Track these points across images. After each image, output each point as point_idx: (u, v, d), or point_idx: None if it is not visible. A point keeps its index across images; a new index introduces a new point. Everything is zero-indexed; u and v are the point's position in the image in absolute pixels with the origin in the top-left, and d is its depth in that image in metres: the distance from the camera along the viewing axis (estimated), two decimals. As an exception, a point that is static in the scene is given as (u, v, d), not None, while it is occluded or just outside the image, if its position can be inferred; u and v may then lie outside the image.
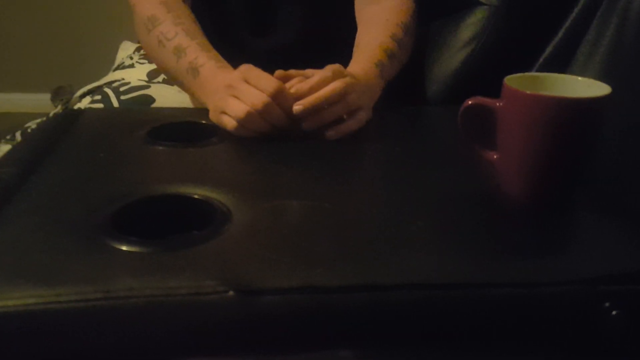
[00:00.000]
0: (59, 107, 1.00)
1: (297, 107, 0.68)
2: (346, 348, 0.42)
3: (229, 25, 0.92)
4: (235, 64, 0.75)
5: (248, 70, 0.70)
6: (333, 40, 0.87)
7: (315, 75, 0.70)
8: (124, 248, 0.45)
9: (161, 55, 0.79)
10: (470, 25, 0.90)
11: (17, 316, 0.40)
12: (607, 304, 0.43)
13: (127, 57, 1.18)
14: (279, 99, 0.67)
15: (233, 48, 0.80)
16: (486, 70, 0.86)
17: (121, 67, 1.09)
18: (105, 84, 0.96)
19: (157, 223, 0.51)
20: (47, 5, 2.45)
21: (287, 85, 0.69)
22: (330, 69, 0.70)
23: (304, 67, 0.74)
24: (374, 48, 0.81)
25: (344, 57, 0.81)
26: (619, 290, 0.43)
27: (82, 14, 2.45)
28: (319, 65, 0.73)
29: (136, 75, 0.96)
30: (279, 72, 0.70)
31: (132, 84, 0.92)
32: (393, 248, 0.47)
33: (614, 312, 0.42)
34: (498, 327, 0.44)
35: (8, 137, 0.93)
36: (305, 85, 0.69)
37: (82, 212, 0.50)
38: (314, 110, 0.68)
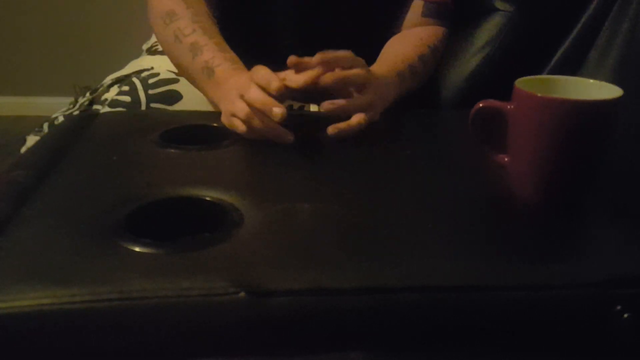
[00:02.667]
0: (87, 96, 0.98)
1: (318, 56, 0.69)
2: (356, 350, 0.42)
3: (272, 36, 0.91)
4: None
5: (255, 69, 0.70)
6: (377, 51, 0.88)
7: (341, 55, 0.71)
8: (137, 249, 0.46)
9: (176, 51, 0.79)
10: (485, 31, 0.90)
11: (32, 316, 0.40)
12: (618, 307, 0.42)
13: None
14: (255, 77, 0.67)
15: (277, 58, 0.80)
16: (500, 75, 0.86)
17: (153, 50, 1.07)
18: (133, 73, 0.94)
19: (170, 225, 0.51)
20: (65, 7, 2.48)
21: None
22: (352, 55, 0.71)
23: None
24: (400, 59, 0.82)
25: None
26: (630, 293, 0.43)
27: (101, 15, 2.46)
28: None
29: (166, 65, 0.95)
30: (291, 58, 0.70)
31: (161, 76, 0.90)
32: (403, 250, 0.47)
33: (625, 315, 0.42)
34: (508, 330, 0.44)
35: (37, 129, 0.94)
36: (329, 54, 0.70)
37: (96, 214, 0.51)
38: (337, 73, 0.69)
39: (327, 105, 0.70)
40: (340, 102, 0.70)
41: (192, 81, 0.81)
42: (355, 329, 0.43)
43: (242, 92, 0.68)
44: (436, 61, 0.89)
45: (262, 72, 0.69)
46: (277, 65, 0.73)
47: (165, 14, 0.80)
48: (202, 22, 0.79)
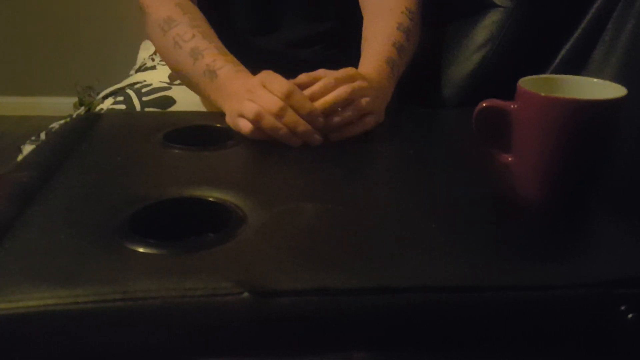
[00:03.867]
0: (82, 109, 1.01)
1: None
2: (359, 350, 0.42)
3: (231, 25, 0.92)
4: (248, 65, 0.75)
5: (266, 75, 0.71)
6: (338, 36, 0.87)
7: (316, 84, 0.70)
8: (141, 250, 0.46)
9: (177, 57, 0.80)
10: (485, 28, 0.90)
11: (37, 317, 0.40)
12: (622, 308, 0.42)
13: (148, 58, 1.19)
14: (292, 100, 0.68)
15: (236, 48, 0.81)
16: (501, 73, 0.86)
17: (143, 69, 1.10)
18: (127, 85, 0.97)
19: (174, 225, 0.52)
20: (66, 8, 2.48)
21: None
22: (333, 75, 0.70)
23: (309, 64, 0.74)
24: (382, 43, 0.81)
25: (352, 50, 0.82)
26: (634, 293, 0.43)
27: (101, 15, 2.47)
28: (325, 60, 0.74)
29: (157, 77, 0.97)
30: (301, 77, 0.71)
31: (154, 86, 0.93)
32: (407, 250, 0.47)
33: (629, 316, 0.42)
34: (512, 330, 0.44)
35: (33, 138, 0.95)
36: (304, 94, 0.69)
37: (100, 214, 0.51)
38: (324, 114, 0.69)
39: (335, 136, 0.70)
40: (340, 120, 0.69)
41: (194, 86, 0.81)
42: (358, 329, 0.43)
43: (251, 97, 0.68)
44: (417, 26, 0.86)
45: (271, 76, 0.69)
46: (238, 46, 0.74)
47: (163, 21, 0.81)
48: (200, 27, 0.79)
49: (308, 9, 0.93)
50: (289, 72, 0.72)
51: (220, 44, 0.79)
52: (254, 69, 0.74)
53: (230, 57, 0.77)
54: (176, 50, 0.79)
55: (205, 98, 0.81)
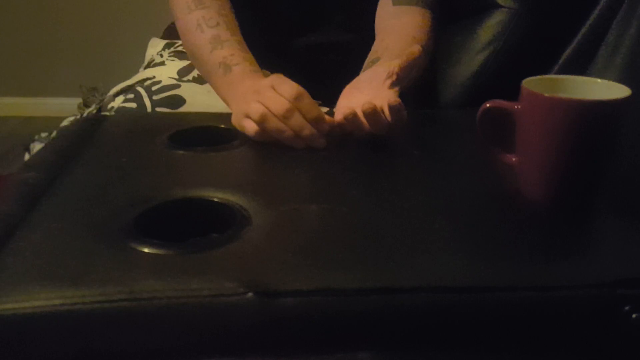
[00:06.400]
0: (93, 107, 1.01)
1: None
2: (364, 350, 0.42)
3: (272, 25, 0.92)
4: (277, 64, 0.75)
5: (276, 78, 0.71)
6: (365, 46, 0.87)
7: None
8: (147, 250, 0.46)
9: (196, 40, 0.79)
10: (489, 28, 0.90)
11: (44, 317, 0.41)
12: (626, 308, 0.42)
13: (157, 54, 1.18)
14: (300, 104, 0.68)
15: (275, 47, 0.80)
16: (505, 73, 0.86)
17: (152, 65, 1.09)
18: (137, 82, 0.96)
19: (179, 226, 0.52)
20: (71, 8, 2.49)
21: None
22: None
23: (345, 66, 0.74)
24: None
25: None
26: (639, 294, 0.43)
27: (107, 16, 2.48)
28: (347, 68, 0.74)
29: (167, 73, 0.97)
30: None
31: (164, 83, 0.92)
32: (411, 251, 0.47)
33: (634, 316, 0.42)
34: (516, 331, 0.44)
35: (40, 137, 0.95)
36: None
37: (106, 215, 0.52)
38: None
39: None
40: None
41: (205, 74, 0.81)
42: (363, 330, 0.43)
43: (259, 98, 0.68)
44: (427, 60, 0.83)
45: (281, 79, 0.69)
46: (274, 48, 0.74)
47: (191, 0, 0.80)
48: (227, 17, 0.79)
49: (347, 16, 0.92)
50: (313, 75, 0.71)
51: (241, 38, 0.78)
52: (276, 70, 0.73)
53: (249, 55, 0.77)
54: (197, 33, 0.78)
55: (213, 89, 0.81)
